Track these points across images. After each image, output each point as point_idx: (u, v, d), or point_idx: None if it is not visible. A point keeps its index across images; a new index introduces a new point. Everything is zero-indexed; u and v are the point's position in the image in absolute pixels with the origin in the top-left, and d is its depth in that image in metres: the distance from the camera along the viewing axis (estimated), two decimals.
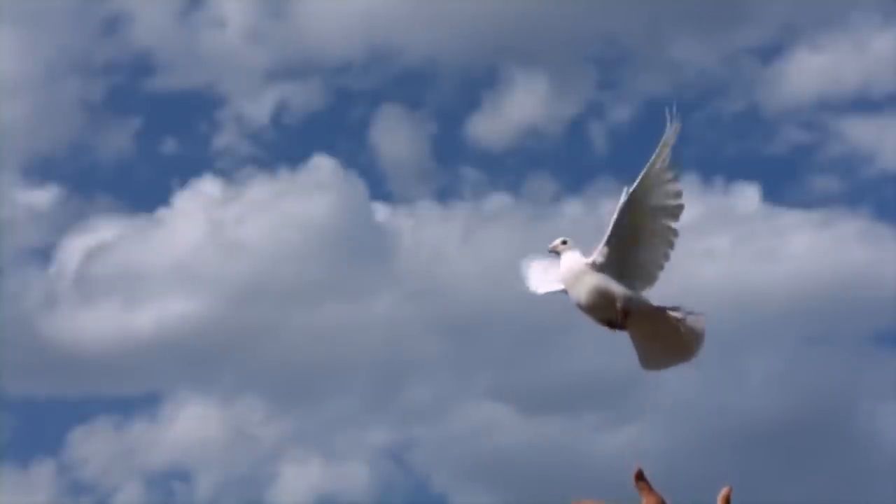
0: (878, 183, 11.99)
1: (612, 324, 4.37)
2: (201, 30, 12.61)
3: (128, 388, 11.15)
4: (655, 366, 4.42)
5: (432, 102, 12.66)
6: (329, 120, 12.54)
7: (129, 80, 12.60)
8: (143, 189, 12.35)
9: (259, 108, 12.36)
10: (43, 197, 11.92)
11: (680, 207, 4.06)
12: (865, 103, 12.22)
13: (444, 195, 12.34)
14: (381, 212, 12.03)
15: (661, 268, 4.28)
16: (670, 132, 3.88)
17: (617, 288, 4.32)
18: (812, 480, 9.71)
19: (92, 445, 10.78)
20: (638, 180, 3.91)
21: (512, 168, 12.25)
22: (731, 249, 11.17)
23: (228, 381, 11.09)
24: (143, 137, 12.26)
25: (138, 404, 11.10)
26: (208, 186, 11.98)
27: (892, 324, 10.41)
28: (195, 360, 10.98)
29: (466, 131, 12.43)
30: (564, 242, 4.41)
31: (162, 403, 11.05)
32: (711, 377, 10.74)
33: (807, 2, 12.36)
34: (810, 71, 12.20)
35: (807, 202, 11.93)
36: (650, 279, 4.24)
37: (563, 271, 4.32)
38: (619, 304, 4.18)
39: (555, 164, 12.13)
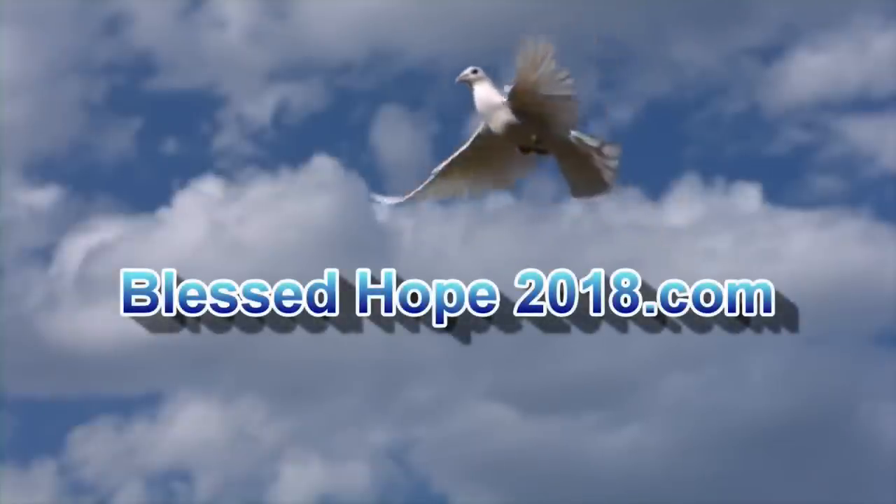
0: (879, 183, 11.98)
1: (528, 150, 4.49)
2: (202, 30, 12.61)
3: (128, 389, 11.12)
4: (581, 194, 4.54)
5: (433, 103, 12.64)
6: (330, 120, 12.53)
7: (130, 80, 12.58)
8: (144, 189, 12.32)
9: (260, 108, 12.35)
10: (43, 197, 11.90)
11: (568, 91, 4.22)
12: (866, 103, 12.21)
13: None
14: (381, 212, 12.02)
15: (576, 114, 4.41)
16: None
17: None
18: (812, 480, 9.71)
19: (92, 446, 10.76)
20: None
21: None
22: (732, 249, 11.16)
23: (229, 382, 11.08)
24: (143, 137, 12.24)
25: (138, 404, 11.07)
26: (209, 186, 11.96)
27: (893, 324, 10.40)
28: (195, 360, 10.96)
29: (467, 131, 12.40)
30: (475, 72, 4.46)
31: (162, 404, 11.04)
32: (711, 377, 10.74)
33: (807, 2, 12.34)
34: (811, 71, 12.19)
35: (807, 202, 11.91)
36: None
37: (478, 104, 4.41)
38: (533, 137, 4.34)
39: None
